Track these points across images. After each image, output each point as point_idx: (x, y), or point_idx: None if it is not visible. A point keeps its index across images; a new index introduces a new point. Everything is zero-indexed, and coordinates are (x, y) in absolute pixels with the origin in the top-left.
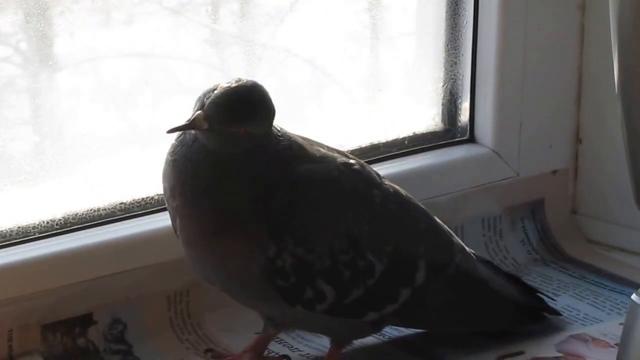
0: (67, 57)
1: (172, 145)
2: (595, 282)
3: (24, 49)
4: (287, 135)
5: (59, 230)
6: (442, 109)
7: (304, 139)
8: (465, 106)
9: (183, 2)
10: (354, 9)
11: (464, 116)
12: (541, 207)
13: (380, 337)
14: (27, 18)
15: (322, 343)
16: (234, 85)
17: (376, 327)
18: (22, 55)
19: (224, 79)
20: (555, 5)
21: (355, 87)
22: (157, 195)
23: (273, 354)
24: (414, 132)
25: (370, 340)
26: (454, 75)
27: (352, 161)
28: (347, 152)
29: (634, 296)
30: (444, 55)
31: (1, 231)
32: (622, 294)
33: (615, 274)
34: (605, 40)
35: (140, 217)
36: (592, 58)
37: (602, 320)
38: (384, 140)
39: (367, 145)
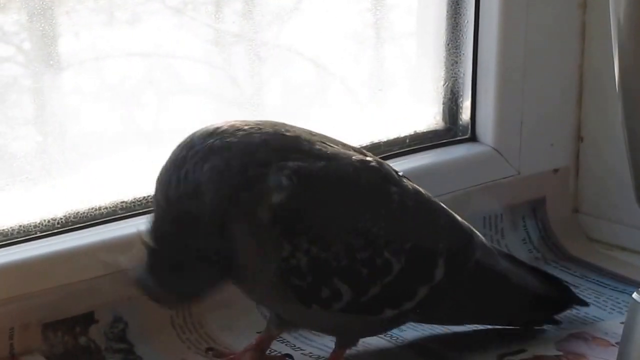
0: (70, 57)
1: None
2: (597, 281)
3: (27, 48)
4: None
5: (60, 229)
6: (443, 107)
7: (311, 133)
8: (466, 105)
9: (186, 1)
10: (357, 9)
11: (465, 115)
12: (542, 205)
13: (383, 337)
14: (31, 17)
15: (324, 342)
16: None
17: (389, 325)
18: (25, 54)
19: (227, 78)
20: (556, 4)
21: (357, 85)
22: None
23: (275, 352)
24: (415, 131)
25: (372, 339)
26: (455, 74)
27: (368, 158)
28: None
29: (635, 295)
30: (445, 54)
31: (3, 230)
32: (623, 292)
33: (616, 273)
34: (606, 39)
35: (142, 216)
36: (593, 56)
37: (603, 319)
38: (385, 139)
39: (369, 143)
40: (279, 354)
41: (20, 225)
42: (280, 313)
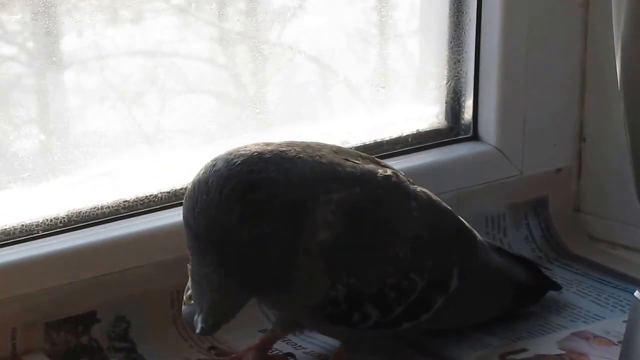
0: (74, 56)
1: None
2: (599, 279)
3: (30, 47)
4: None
5: (62, 228)
6: (446, 106)
7: (335, 151)
8: (468, 104)
9: (190, 0)
10: (360, 7)
11: (467, 114)
12: (545, 205)
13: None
14: (34, 16)
15: (326, 341)
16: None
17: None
18: (29, 53)
19: (230, 76)
20: (558, 2)
21: (360, 84)
22: (161, 192)
23: (276, 352)
24: (418, 130)
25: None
26: (458, 72)
27: (389, 172)
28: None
29: (637, 293)
30: (447, 53)
31: (5, 229)
32: (625, 291)
33: (618, 271)
34: (608, 38)
35: (144, 215)
36: (596, 55)
37: (604, 318)
38: (387, 138)
39: (371, 142)
40: (281, 353)
41: (22, 225)
42: (303, 324)
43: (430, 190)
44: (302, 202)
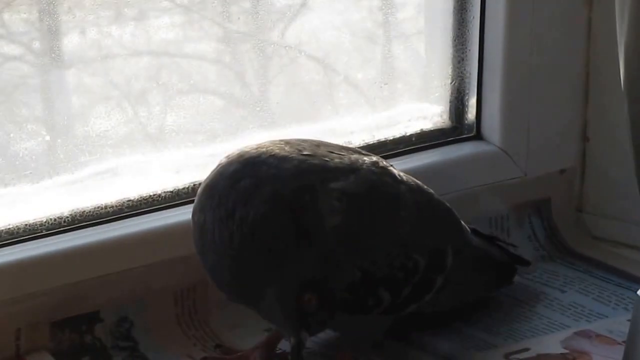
0: (78, 55)
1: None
2: (602, 277)
3: (35, 47)
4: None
5: (66, 228)
6: (450, 106)
7: (318, 145)
8: (472, 103)
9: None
10: (364, 7)
11: (470, 113)
12: (548, 205)
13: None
14: (40, 16)
15: (330, 339)
16: None
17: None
18: (33, 53)
19: (235, 77)
20: (562, 2)
21: (364, 84)
22: (164, 192)
23: (282, 351)
24: (421, 129)
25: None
26: (462, 72)
27: (374, 158)
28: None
29: None
30: (451, 51)
31: (8, 228)
32: (628, 289)
33: (621, 270)
34: (612, 37)
35: (148, 214)
36: (600, 55)
37: (607, 316)
38: (391, 137)
39: (375, 141)
40: (287, 352)
41: (26, 224)
42: None
43: (434, 190)
44: (302, 194)
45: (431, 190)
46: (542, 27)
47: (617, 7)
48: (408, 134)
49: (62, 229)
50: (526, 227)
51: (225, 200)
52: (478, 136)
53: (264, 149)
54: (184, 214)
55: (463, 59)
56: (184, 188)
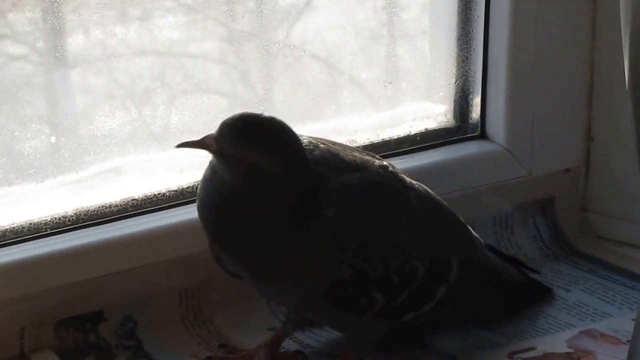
0: (82, 55)
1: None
2: (606, 276)
3: (39, 46)
4: (317, 146)
5: (70, 227)
6: (454, 105)
7: (334, 143)
8: (476, 102)
9: None
10: (367, 7)
11: (475, 113)
12: (552, 204)
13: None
14: (44, 16)
15: (334, 339)
16: (253, 113)
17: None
18: (38, 53)
19: (240, 76)
20: (566, 1)
21: (368, 83)
22: (169, 191)
23: (286, 350)
24: (426, 128)
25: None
26: (466, 71)
27: (384, 163)
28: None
29: None
30: (455, 50)
31: (13, 227)
32: (633, 289)
33: (626, 269)
34: (616, 37)
35: (152, 213)
36: (604, 54)
37: (612, 315)
38: (395, 136)
39: (379, 141)
40: (291, 352)
41: (30, 223)
42: (307, 315)
43: (438, 189)
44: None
45: (444, 203)
46: (546, 26)
47: (621, 6)
48: (412, 133)
49: (66, 228)
50: (530, 227)
51: None
52: (482, 135)
53: None
54: (188, 213)
55: (467, 58)
56: (188, 187)
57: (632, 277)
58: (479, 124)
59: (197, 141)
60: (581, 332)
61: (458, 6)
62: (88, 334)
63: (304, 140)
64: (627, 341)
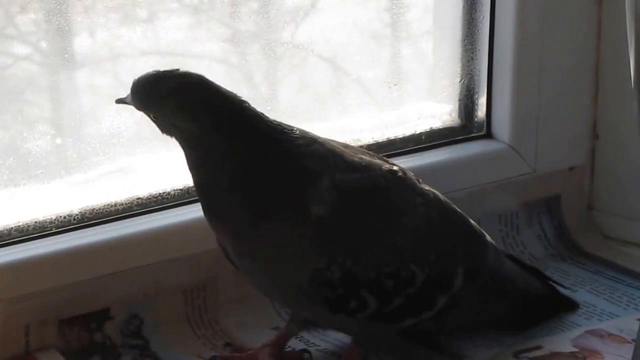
0: (87, 55)
1: None
2: (612, 277)
3: (44, 47)
4: (319, 142)
5: (76, 225)
6: (459, 104)
7: (345, 146)
8: (482, 101)
9: (203, 0)
10: (373, 7)
11: (480, 112)
12: (557, 203)
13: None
14: (48, 16)
15: (339, 338)
16: (162, 69)
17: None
18: (42, 53)
19: (244, 77)
20: (572, 0)
21: (373, 83)
22: (174, 190)
23: (291, 349)
24: (431, 128)
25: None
26: (471, 70)
27: (395, 168)
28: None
29: None
30: (460, 50)
31: (18, 226)
32: (639, 289)
33: (631, 269)
34: (622, 36)
35: (157, 212)
36: (609, 53)
37: (618, 316)
38: (400, 136)
39: (384, 140)
40: (296, 350)
41: (35, 221)
42: (302, 314)
43: (443, 188)
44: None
45: (458, 211)
46: (551, 25)
47: (627, 5)
48: (418, 133)
49: (71, 226)
50: (536, 226)
51: None
52: (488, 135)
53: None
54: (194, 212)
55: (472, 58)
56: (193, 186)
57: (638, 277)
58: (485, 123)
59: (123, 99)
60: (587, 331)
61: (463, 7)
62: (94, 332)
63: (297, 133)
64: (633, 340)
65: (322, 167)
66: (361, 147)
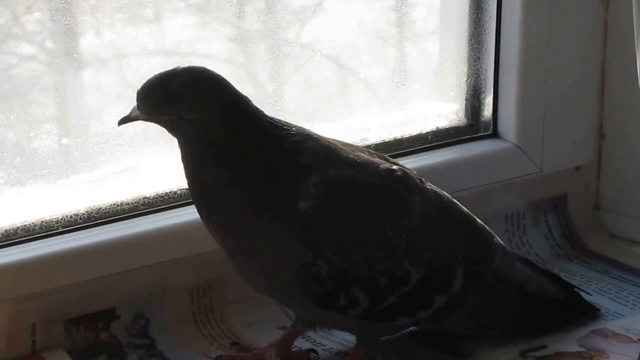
0: (92, 55)
1: None
2: (618, 276)
3: (49, 46)
4: (313, 139)
5: (82, 225)
6: (466, 103)
7: (344, 144)
8: (488, 101)
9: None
10: (378, 7)
11: (487, 111)
12: (564, 202)
13: (405, 332)
14: (53, 16)
15: (346, 337)
16: (164, 71)
17: (406, 328)
18: (48, 53)
19: (250, 76)
20: (578, 1)
21: (380, 82)
22: (180, 189)
23: (298, 348)
24: (437, 127)
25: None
26: (477, 70)
27: (395, 167)
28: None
29: None
30: (467, 50)
31: (25, 225)
32: None
33: (638, 269)
34: (628, 35)
35: (164, 212)
36: (616, 53)
37: (624, 315)
38: (407, 135)
39: (391, 139)
40: (302, 350)
41: (42, 221)
42: (298, 312)
43: (450, 188)
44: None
45: (464, 213)
46: (558, 25)
47: (633, 5)
48: (424, 132)
49: (78, 226)
50: (542, 226)
51: None
52: (494, 134)
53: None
54: None
55: (479, 58)
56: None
57: None
58: (491, 123)
59: (127, 117)
60: (592, 331)
61: (469, 7)
62: (100, 332)
63: (293, 130)
64: (639, 340)
65: (313, 163)
66: (368, 146)
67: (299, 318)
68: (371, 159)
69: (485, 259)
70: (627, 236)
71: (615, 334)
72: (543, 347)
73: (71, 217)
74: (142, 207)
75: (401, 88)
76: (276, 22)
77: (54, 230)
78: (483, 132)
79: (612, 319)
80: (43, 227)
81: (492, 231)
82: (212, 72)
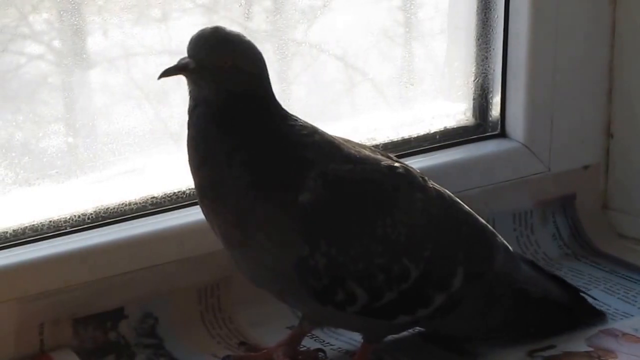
0: (100, 55)
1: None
2: (627, 276)
3: (57, 46)
4: (322, 135)
5: (90, 225)
6: (474, 103)
7: (346, 140)
8: (496, 101)
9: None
10: (386, 6)
11: (495, 111)
12: (572, 202)
13: (412, 331)
14: (61, 16)
15: (354, 337)
16: (208, 26)
17: (408, 327)
18: (56, 52)
19: None
20: (586, 0)
21: (387, 82)
22: (189, 189)
23: (306, 348)
24: (445, 127)
25: (401, 334)
26: (485, 69)
27: (396, 164)
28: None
29: None
30: (475, 50)
31: (33, 225)
32: None
33: None
34: (637, 34)
35: (172, 212)
36: (624, 52)
37: (632, 315)
38: (415, 135)
39: (399, 139)
40: (311, 349)
41: (50, 221)
42: (299, 310)
43: (457, 187)
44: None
45: (467, 212)
46: (566, 25)
47: None
48: (432, 132)
49: (86, 225)
50: (550, 225)
51: None
52: (502, 134)
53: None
54: None
55: (487, 57)
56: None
57: None
58: (499, 122)
59: (174, 67)
60: (601, 331)
61: (477, 6)
62: (108, 332)
63: (300, 123)
64: None
65: (317, 156)
66: (376, 146)
67: (305, 317)
68: (373, 155)
69: (486, 259)
70: (635, 236)
71: (624, 334)
72: (551, 346)
73: (79, 216)
74: (150, 207)
75: (409, 88)
76: (284, 22)
77: (62, 230)
78: (491, 131)
79: (621, 318)
80: (51, 226)
81: (495, 231)
82: None
